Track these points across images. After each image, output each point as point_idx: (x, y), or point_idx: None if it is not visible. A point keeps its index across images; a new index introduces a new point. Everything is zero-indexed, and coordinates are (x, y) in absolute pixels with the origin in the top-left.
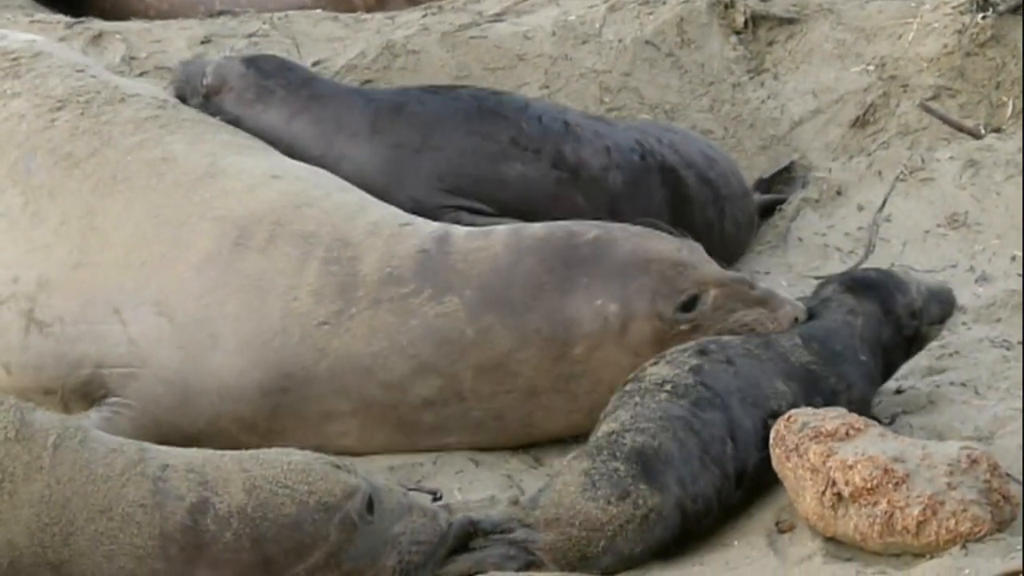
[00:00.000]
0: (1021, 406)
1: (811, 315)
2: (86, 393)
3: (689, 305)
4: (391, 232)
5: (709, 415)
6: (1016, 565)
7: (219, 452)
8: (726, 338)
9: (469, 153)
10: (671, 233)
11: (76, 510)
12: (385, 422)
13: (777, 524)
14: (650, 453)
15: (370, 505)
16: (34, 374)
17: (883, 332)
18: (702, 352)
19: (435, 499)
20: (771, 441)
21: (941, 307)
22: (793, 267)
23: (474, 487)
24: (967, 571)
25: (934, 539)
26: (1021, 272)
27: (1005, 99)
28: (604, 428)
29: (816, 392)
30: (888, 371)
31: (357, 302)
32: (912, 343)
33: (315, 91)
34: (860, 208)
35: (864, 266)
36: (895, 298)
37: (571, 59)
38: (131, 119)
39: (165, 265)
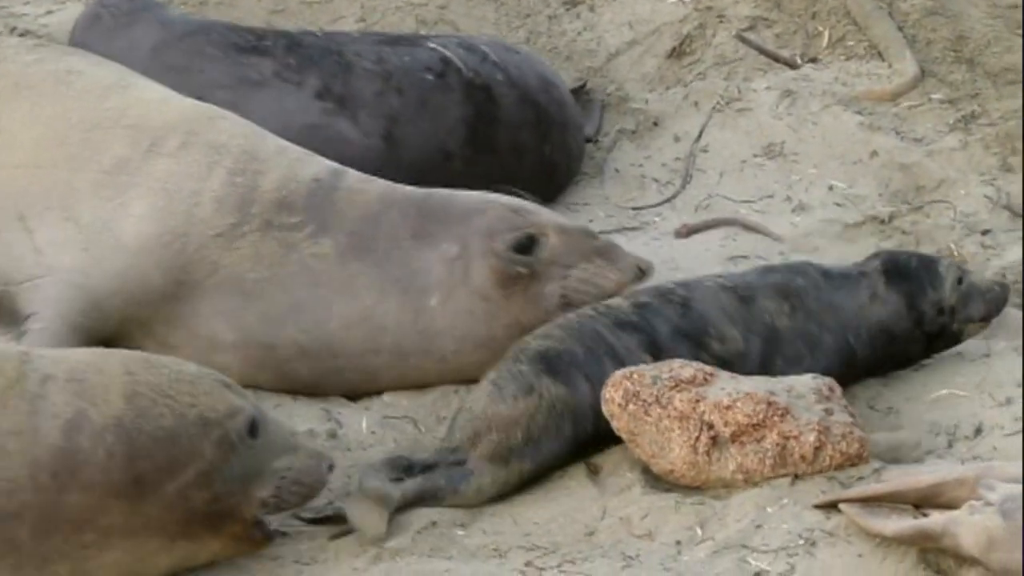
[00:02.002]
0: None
1: (846, 278)
2: None
3: (525, 247)
4: (297, 156)
5: (627, 334)
6: (834, 497)
7: (111, 352)
8: (702, 283)
9: (229, 81)
10: (520, 195)
11: None
12: (264, 367)
13: (587, 464)
14: (553, 354)
15: (252, 429)
16: None
17: (899, 324)
18: (662, 294)
19: None
20: (616, 401)
21: (986, 306)
22: (610, 198)
23: (292, 421)
24: (785, 500)
25: (828, 464)
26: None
27: (821, 29)
28: (519, 342)
29: (778, 352)
30: (898, 361)
31: (251, 220)
32: (936, 338)
33: (139, 16)
34: (677, 139)
35: (903, 248)
36: (924, 293)
37: None
38: (19, 44)
39: (75, 167)
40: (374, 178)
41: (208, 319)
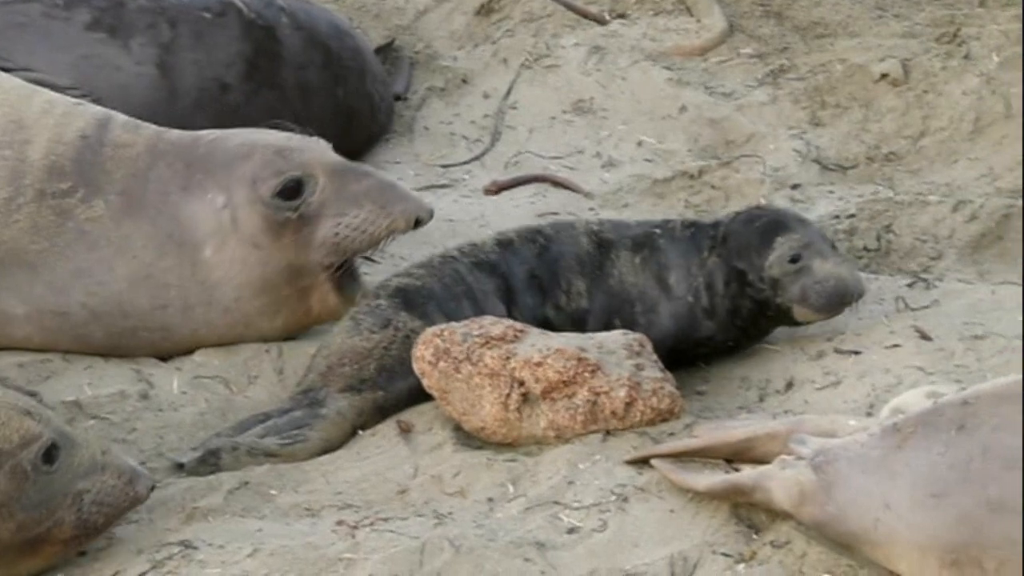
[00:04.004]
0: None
1: (694, 228)
2: None
3: (293, 190)
4: (63, 111)
5: (484, 276)
6: (646, 453)
7: None
8: (566, 228)
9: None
10: (294, 131)
11: None
12: (61, 333)
13: (398, 423)
14: (412, 290)
15: (48, 456)
16: None
17: (731, 287)
18: (532, 232)
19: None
20: (426, 359)
21: (805, 292)
22: (420, 156)
23: (104, 382)
24: (597, 456)
25: (639, 419)
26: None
27: None
28: (383, 280)
29: (616, 312)
30: (745, 322)
31: (24, 191)
32: (766, 308)
33: None
34: (486, 96)
35: (757, 204)
36: (748, 256)
37: None
38: None
39: None
40: (142, 124)
41: None
